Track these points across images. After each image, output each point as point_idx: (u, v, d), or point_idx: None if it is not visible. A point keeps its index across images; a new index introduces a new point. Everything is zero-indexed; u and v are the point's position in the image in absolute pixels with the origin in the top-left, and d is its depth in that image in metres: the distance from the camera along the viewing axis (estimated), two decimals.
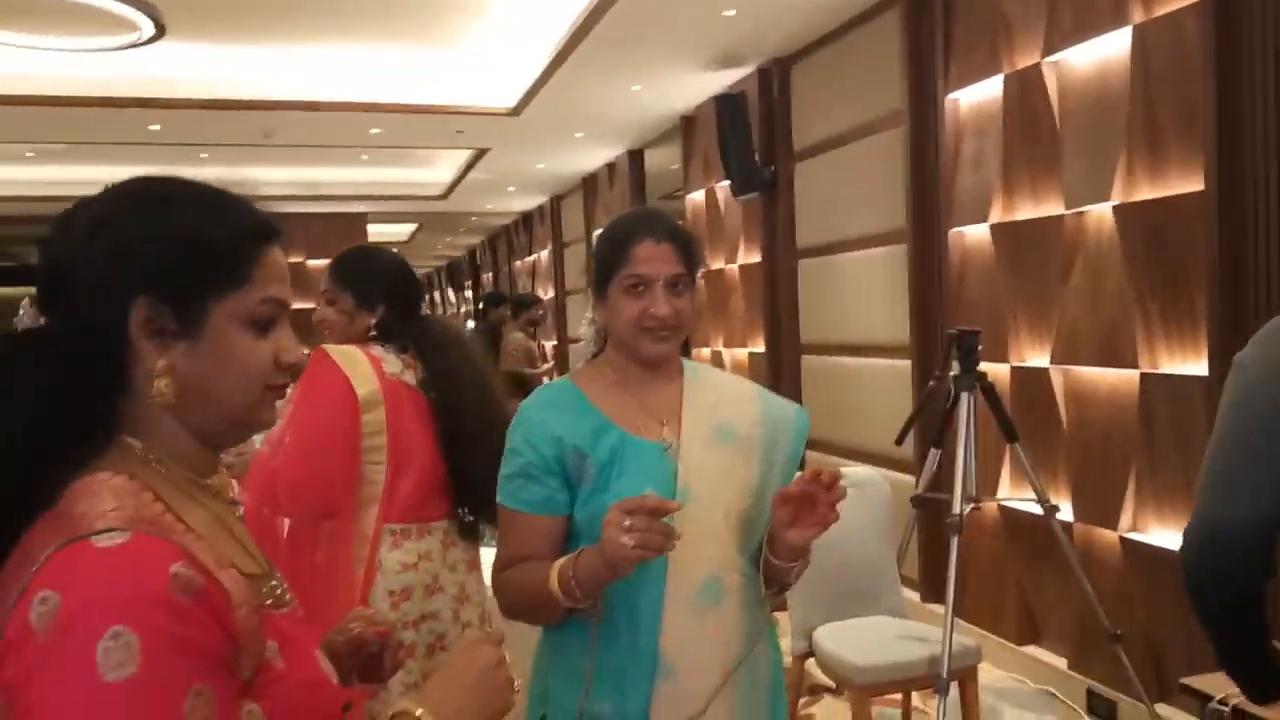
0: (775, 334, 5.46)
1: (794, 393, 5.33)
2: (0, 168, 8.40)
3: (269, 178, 9.58)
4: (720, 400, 1.48)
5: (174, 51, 5.34)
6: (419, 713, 0.82)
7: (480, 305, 8.79)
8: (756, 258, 5.62)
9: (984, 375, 2.90)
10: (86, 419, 0.77)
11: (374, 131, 7.25)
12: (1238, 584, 1.06)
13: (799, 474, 1.33)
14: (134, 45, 5.09)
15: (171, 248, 0.79)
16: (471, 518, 1.86)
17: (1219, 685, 1.63)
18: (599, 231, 1.58)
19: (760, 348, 5.63)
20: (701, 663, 1.34)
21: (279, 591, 0.85)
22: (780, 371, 5.42)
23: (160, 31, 4.87)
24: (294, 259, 11.77)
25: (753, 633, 1.39)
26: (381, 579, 1.84)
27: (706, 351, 6.52)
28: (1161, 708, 2.91)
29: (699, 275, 1.49)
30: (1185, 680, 1.66)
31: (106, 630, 0.65)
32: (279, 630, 0.79)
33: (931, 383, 3.08)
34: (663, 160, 7.88)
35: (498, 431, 1.49)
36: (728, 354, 6.18)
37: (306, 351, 1.19)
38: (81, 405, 0.76)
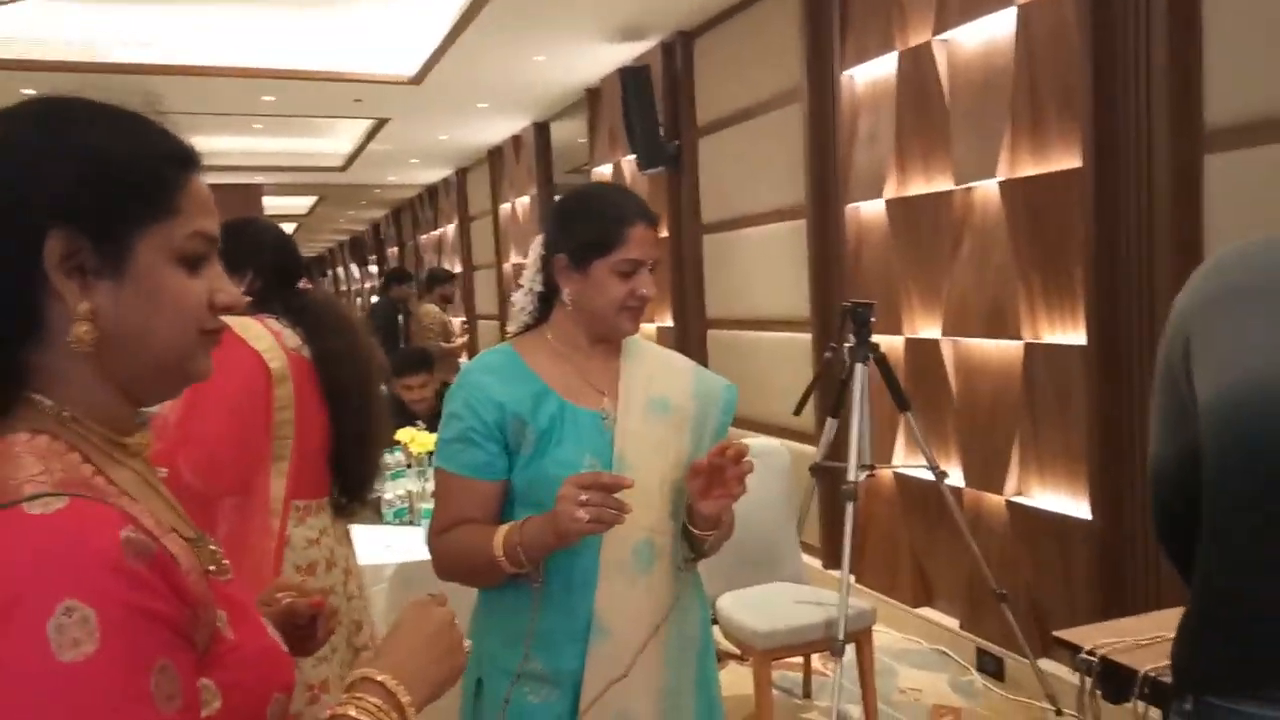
0: (682, 308, 5.50)
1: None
2: None
3: None
4: (656, 373, 1.52)
5: (48, 10, 5.02)
6: (381, 679, 0.78)
7: (383, 281, 8.57)
8: (663, 233, 5.63)
9: (876, 346, 2.98)
10: None
11: (267, 99, 6.97)
12: (1171, 509, 1.18)
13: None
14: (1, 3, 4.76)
15: (87, 170, 0.70)
16: (350, 497, 1.87)
17: (1089, 637, 1.72)
18: (565, 202, 1.56)
19: (668, 322, 5.66)
20: (634, 622, 1.39)
21: (218, 557, 0.79)
22: (688, 346, 5.46)
23: None
24: None
25: (680, 593, 1.45)
26: (290, 554, 1.83)
27: None
28: (1044, 662, 3.06)
29: None
30: (1058, 633, 1.75)
31: (58, 606, 0.58)
32: (226, 598, 0.74)
33: (827, 354, 3.15)
34: (569, 133, 7.80)
35: (372, 412, 1.56)
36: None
37: None
38: None
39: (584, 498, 1.22)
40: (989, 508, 3.33)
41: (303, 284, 2.03)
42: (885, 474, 3.79)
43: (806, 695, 3.24)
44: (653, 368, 1.53)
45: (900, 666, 3.43)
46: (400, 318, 7.96)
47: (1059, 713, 2.93)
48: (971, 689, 3.22)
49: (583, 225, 1.44)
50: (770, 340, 4.62)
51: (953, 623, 3.54)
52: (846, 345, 2.99)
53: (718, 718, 1.55)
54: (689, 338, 5.44)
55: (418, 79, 6.42)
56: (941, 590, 3.66)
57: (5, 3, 4.79)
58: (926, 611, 3.68)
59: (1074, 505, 3.00)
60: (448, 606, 0.89)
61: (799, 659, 3.25)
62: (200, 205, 0.76)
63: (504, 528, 1.34)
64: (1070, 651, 1.68)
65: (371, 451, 1.90)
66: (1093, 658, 1.64)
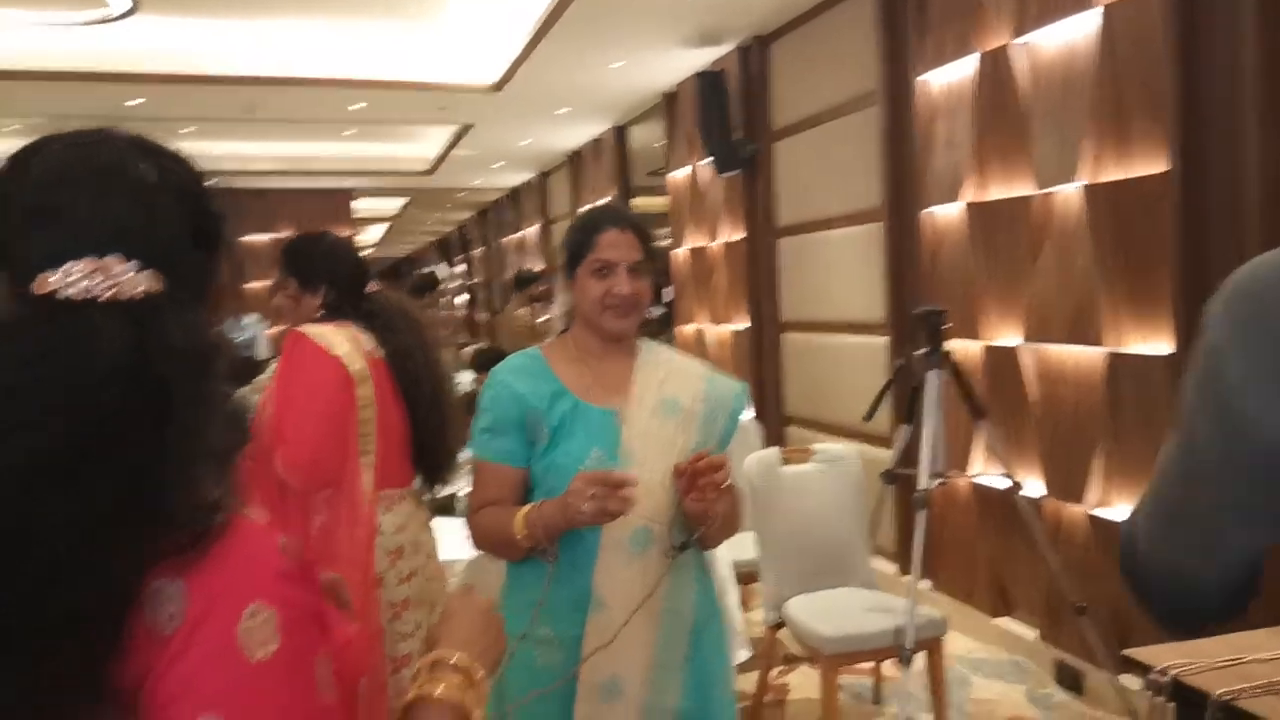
0: (757, 311, 5.50)
1: (774, 370, 5.39)
2: None
3: (254, 152, 9.55)
4: (669, 376, 1.66)
5: (150, 25, 5.31)
6: (455, 660, 0.86)
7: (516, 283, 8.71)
8: (738, 235, 5.65)
9: (949, 354, 2.95)
10: None
11: (355, 107, 7.22)
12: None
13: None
14: (104, 20, 5.07)
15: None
16: (431, 482, 2.02)
17: (1162, 656, 1.69)
18: (569, 222, 1.78)
19: (742, 325, 5.67)
20: (628, 598, 1.52)
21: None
22: (762, 349, 5.47)
23: (134, 6, 4.85)
24: (283, 234, 11.76)
25: (673, 575, 1.56)
26: (380, 540, 1.99)
27: (691, 329, 6.56)
28: (1126, 678, 2.99)
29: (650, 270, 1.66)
30: (1129, 651, 1.72)
31: (245, 610, 0.64)
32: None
33: (900, 361, 3.13)
34: (648, 137, 7.86)
35: (445, 403, 1.69)
36: (711, 331, 6.23)
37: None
38: None
39: (591, 492, 1.40)
40: (1070, 519, 3.26)
41: (370, 286, 2.18)
42: (962, 482, 3.75)
43: (876, 701, 3.23)
44: (666, 371, 1.66)
45: (975, 676, 3.38)
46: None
47: None
48: (1049, 702, 3.16)
49: (568, 240, 1.66)
50: (845, 344, 4.60)
51: (1031, 634, 3.47)
52: (919, 352, 2.97)
53: (715, 693, 1.64)
54: (764, 340, 5.45)
55: (499, 86, 6.57)
56: (1020, 600, 3.60)
57: (108, 21, 5.09)
58: (1004, 622, 3.62)
59: None
60: (490, 602, 0.99)
61: (870, 665, 3.24)
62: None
63: (523, 509, 1.52)
64: (1141, 671, 1.66)
65: (447, 438, 2.00)
66: (1164, 677, 1.61)
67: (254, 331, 9.72)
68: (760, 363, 5.50)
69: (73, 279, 0.66)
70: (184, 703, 0.62)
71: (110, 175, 0.72)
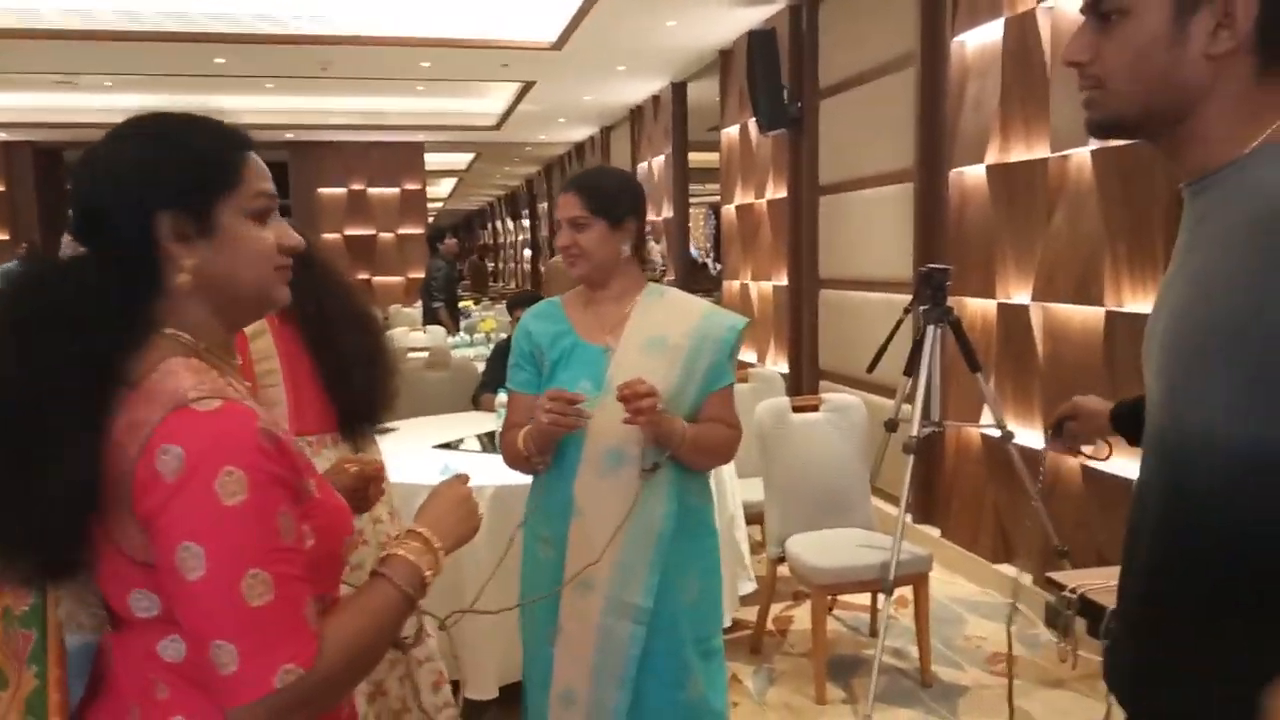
0: (796, 268, 5.66)
1: (811, 325, 5.55)
2: (85, 96, 8.92)
3: (330, 107, 9.97)
4: (664, 318, 1.87)
5: None
6: (420, 529, 1.10)
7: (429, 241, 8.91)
8: (783, 193, 5.79)
9: (950, 310, 3.10)
10: (133, 316, 0.97)
11: (424, 65, 7.52)
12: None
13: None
14: None
15: (177, 166, 0.97)
16: (349, 432, 1.91)
17: (1078, 578, 1.88)
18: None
19: (784, 281, 5.84)
20: (603, 509, 1.77)
21: (298, 442, 1.11)
22: (800, 305, 5.64)
23: None
24: (355, 186, 12.24)
25: (645, 494, 1.77)
26: None
27: (736, 284, 6.74)
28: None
29: (623, 215, 1.86)
30: (1051, 574, 1.92)
31: (222, 469, 0.87)
32: (310, 469, 1.05)
33: (903, 315, 3.29)
34: (705, 93, 7.97)
35: (358, 344, 1.72)
36: (755, 286, 6.40)
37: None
38: (130, 305, 0.97)
39: (548, 406, 1.69)
40: (1067, 470, 3.41)
41: None
42: (974, 433, 3.90)
43: (873, 634, 3.46)
44: (661, 311, 1.86)
45: (971, 616, 3.58)
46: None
47: None
48: (1035, 642, 3.35)
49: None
50: (876, 301, 4.74)
51: (1027, 578, 3.64)
52: (922, 308, 3.13)
53: (678, 600, 1.81)
54: (802, 296, 5.61)
55: (558, 45, 6.78)
56: (1019, 548, 3.76)
57: None
58: (1004, 567, 3.79)
59: None
60: (469, 485, 1.21)
61: (867, 602, 3.46)
62: (258, 173, 1.02)
63: (526, 427, 1.81)
64: (1056, 589, 1.85)
65: (365, 377, 1.89)
66: (1073, 594, 1.80)
67: None
68: (798, 318, 5.67)
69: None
70: (174, 531, 0.87)
71: None
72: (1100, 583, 1.98)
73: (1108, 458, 1.62)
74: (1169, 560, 0.96)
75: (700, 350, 1.83)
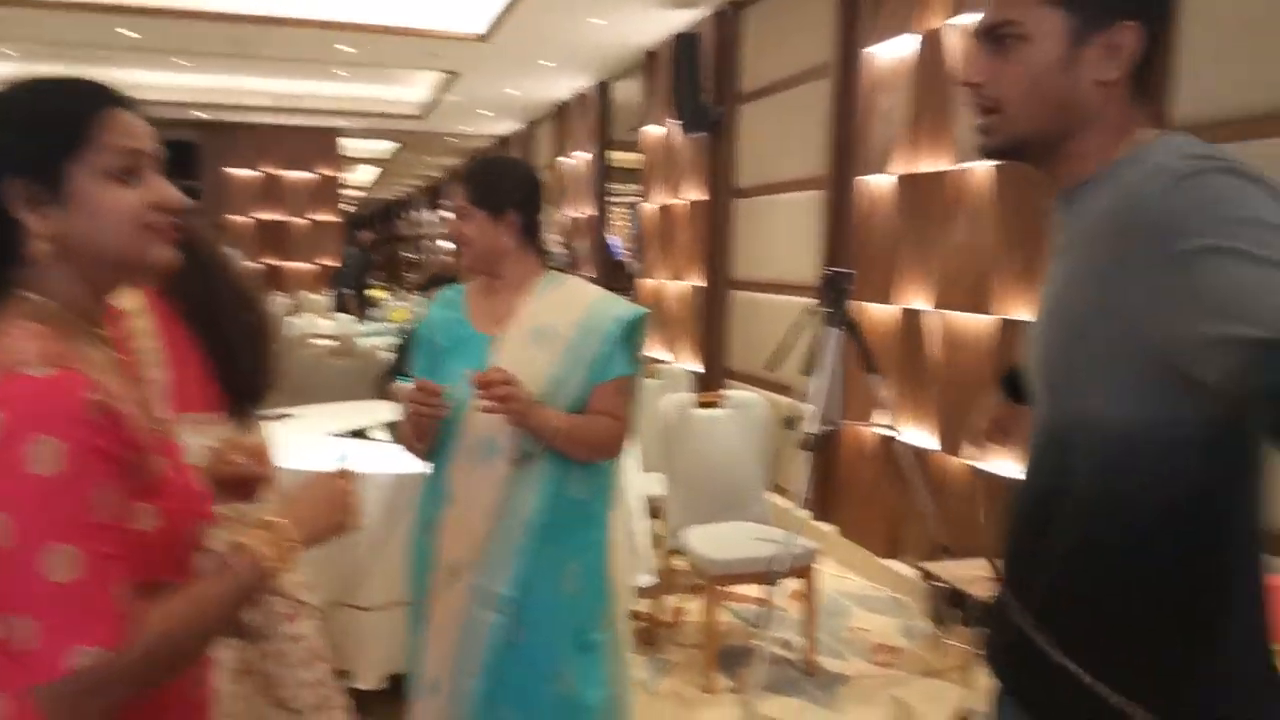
0: (712, 270, 5.73)
1: (723, 326, 5.64)
2: None
3: (244, 87, 9.69)
4: (554, 307, 1.85)
5: None
6: (270, 519, 1.06)
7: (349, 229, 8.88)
8: (701, 195, 5.86)
9: (849, 312, 3.19)
10: None
11: (345, 49, 7.37)
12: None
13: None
14: None
15: (18, 130, 0.94)
16: (235, 412, 1.87)
17: (948, 570, 1.97)
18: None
19: (698, 281, 5.91)
20: (474, 498, 1.77)
21: (164, 422, 1.08)
22: (713, 305, 5.72)
23: None
24: (269, 169, 11.91)
25: (517, 485, 1.77)
26: (188, 457, 1.98)
27: (652, 284, 6.79)
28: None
29: (504, 206, 1.84)
30: (924, 564, 2.00)
31: (37, 437, 0.84)
32: (168, 449, 1.03)
33: (805, 317, 3.37)
34: (630, 93, 8.02)
35: (252, 340, 1.70)
36: (672, 286, 6.46)
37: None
38: None
39: (410, 396, 1.71)
40: (954, 470, 3.54)
41: None
42: (869, 434, 4.01)
43: (762, 626, 3.52)
44: (551, 301, 1.85)
45: (858, 610, 3.68)
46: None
47: None
48: (916, 633, 3.46)
49: None
50: (784, 303, 4.84)
51: (914, 573, 3.76)
52: (824, 310, 3.21)
53: (544, 590, 1.79)
54: (716, 297, 5.69)
55: (486, 36, 6.73)
56: (908, 545, 3.88)
57: None
58: (893, 563, 3.91)
59: None
60: (351, 484, 1.18)
61: (760, 594, 3.53)
62: (121, 130, 0.96)
63: None
64: (925, 578, 1.94)
65: (251, 358, 1.86)
66: (945, 586, 1.89)
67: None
68: (710, 318, 5.75)
69: None
70: None
71: None
72: (971, 574, 2.08)
73: None
74: (1076, 546, 0.99)
75: (584, 341, 1.81)
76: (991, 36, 1.00)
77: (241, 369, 1.79)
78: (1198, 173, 0.86)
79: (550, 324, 1.83)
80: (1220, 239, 0.80)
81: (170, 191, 0.99)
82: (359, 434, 3.28)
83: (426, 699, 1.81)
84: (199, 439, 1.91)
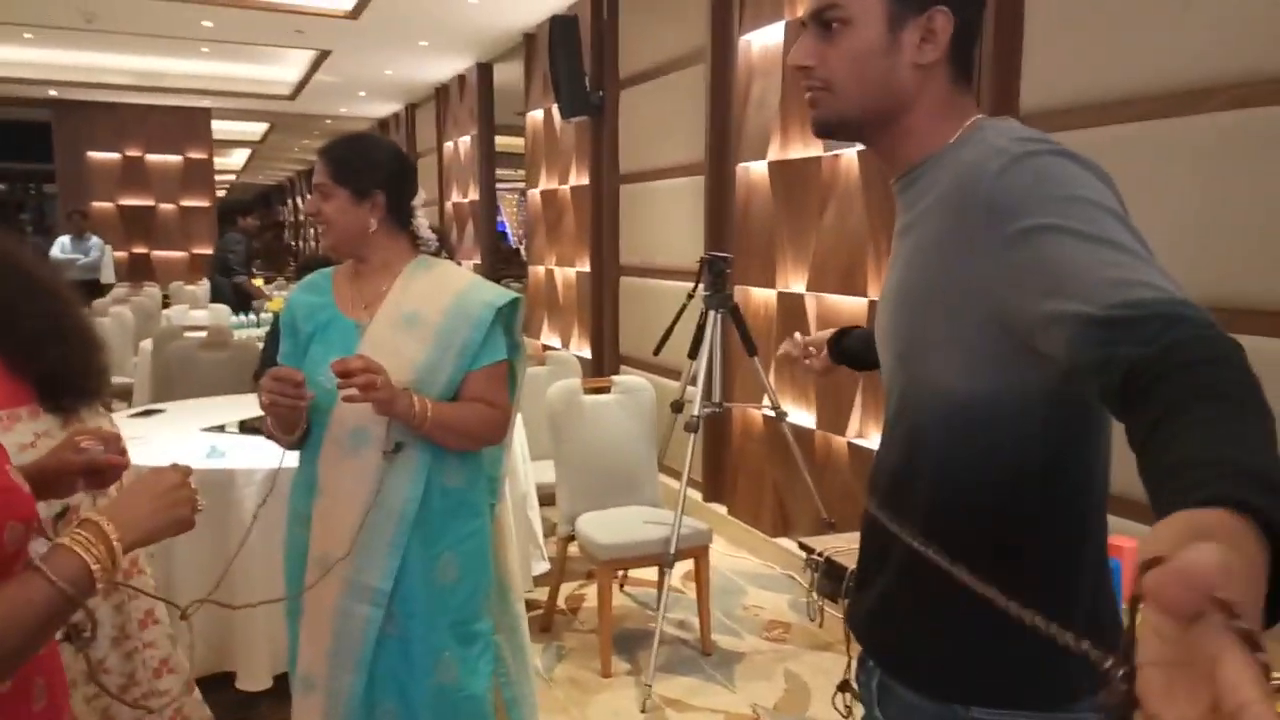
0: (598, 255, 5.75)
1: (612, 312, 5.66)
2: None
3: (101, 64, 9.11)
4: (423, 293, 1.79)
5: None
6: (96, 518, 1.01)
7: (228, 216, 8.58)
8: (585, 180, 5.85)
9: (730, 296, 3.27)
10: None
11: (206, 24, 7.02)
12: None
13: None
14: None
15: None
16: (52, 399, 1.75)
17: (823, 543, 2.06)
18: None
19: (585, 267, 5.91)
20: (345, 490, 1.72)
21: None
22: (602, 291, 5.73)
23: None
24: (132, 152, 11.26)
25: (388, 476, 1.72)
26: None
27: (541, 270, 6.76)
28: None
29: (368, 186, 1.78)
30: (803, 539, 2.08)
31: None
32: None
33: (686, 301, 3.43)
34: (512, 76, 7.92)
35: (62, 337, 1.60)
36: (559, 272, 6.44)
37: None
38: None
39: (268, 387, 1.62)
40: (836, 448, 3.67)
41: None
42: (756, 416, 4.12)
43: (657, 609, 3.59)
44: (420, 286, 1.79)
45: (750, 588, 3.79)
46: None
47: None
48: (807, 609, 3.59)
49: None
50: (669, 288, 4.90)
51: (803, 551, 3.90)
52: (704, 294, 3.27)
53: (417, 583, 1.75)
54: (604, 283, 5.70)
55: (354, 13, 6.52)
56: (796, 522, 4.02)
57: None
58: (783, 541, 4.04)
59: None
60: (184, 477, 1.13)
61: (653, 577, 3.59)
62: None
63: None
64: (806, 552, 2.02)
65: (59, 351, 1.72)
66: (820, 558, 1.97)
67: (99, 253, 9.37)
68: (599, 305, 5.77)
69: None
70: None
71: None
72: (850, 547, 2.17)
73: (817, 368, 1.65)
74: (930, 512, 1.03)
75: (454, 327, 1.76)
76: (818, 20, 1.05)
77: (50, 362, 1.66)
78: (1031, 155, 0.92)
79: (419, 310, 1.77)
80: (1053, 217, 0.86)
81: None
82: (239, 428, 3.16)
83: (303, 696, 1.78)
84: (12, 436, 1.76)
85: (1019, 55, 2.84)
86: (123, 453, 1.27)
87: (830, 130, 1.11)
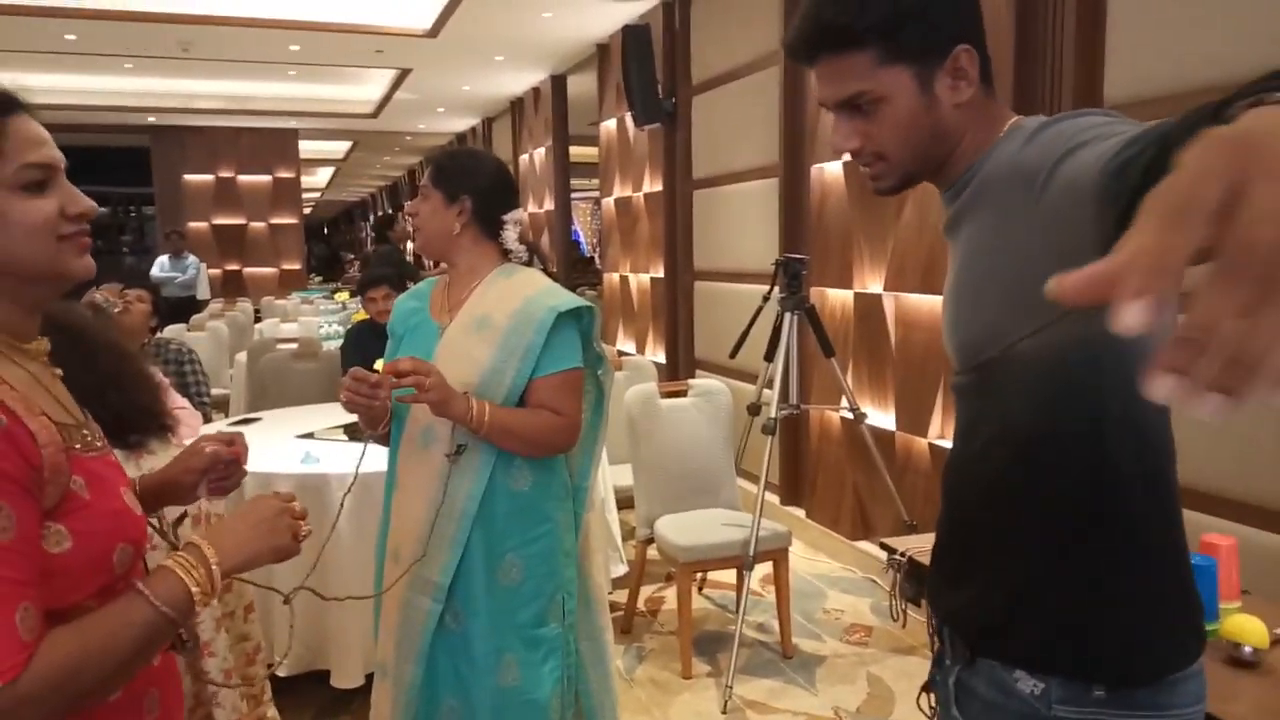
0: (672, 261, 5.78)
1: (687, 316, 5.69)
2: None
3: (195, 90, 9.55)
4: (495, 295, 1.83)
5: None
6: (198, 541, 1.04)
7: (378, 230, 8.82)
8: (659, 187, 5.89)
9: (806, 298, 3.25)
10: None
11: (293, 48, 7.30)
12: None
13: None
14: None
15: None
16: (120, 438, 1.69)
17: (904, 543, 2.03)
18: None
19: (659, 273, 5.95)
20: (415, 485, 1.79)
21: (89, 439, 1.05)
22: (676, 297, 5.76)
23: None
24: (224, 174, 11.76)
25: (452, 477, 1.75)
26: None
27: (616, 277, 6.82)
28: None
29: (459, 191, 1.83)
30: (884, 540, 2.06)
31: None
32: (86, 469, 1.00)
33: (762, 303, 3.42)
34: (585, 87, 8.03)
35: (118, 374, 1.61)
36: (634, 279, 6.49)
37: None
38: None
39: (347, 385, 1.68)
40: (917, 450, 3.62)
41: None
42: (835, 418, 4.09)
43: (736, 611, 3.59)
44: (497, 291, 1.82)
45: (831, 591, 3.76)
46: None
47: None
48: (890, 610, 3.54)
49: None
50: (744, 292, 4.90)
51: (885, 554, 3.85)
52: (780, 296, 3.27)
53: (476, 581, 1.78)
54: (678, 289, 5.73)
55: (433, 32, 6.70)
56: (877, 525, 3.97)
57: None
58: (863, 544, 3.99)
59: None
60: (289, 504, 1.15)
61: (732, 580, 3.59)
62: (25, 140, 0.93)
63: None
64: (888, 553, 2.00)
65: (117, 398, 1.66)
66: (902, 558, 1.95)
67: (196, 270, 9.80)
68: (674, 309, 5.80)
69: None
70: None
71: None
72: (928, 546, 2.14)
73: None
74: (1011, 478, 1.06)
75: (517, 331, 1.76)
76: (852, 106, 1.05)
77: (110, 409, 1.60)
78: (1050, 123, 0.96)
79: (490, 313, 1.80)
80: (1070, 146, 0.88)
81: (81, 198, 0.97)
82: (344, 431, 3.28)
83: (379, 681, 1.86)
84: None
85: (1102, 46, 2.78)
86: (244, 450, 1.32)
87: (898, 190, 1.13)
